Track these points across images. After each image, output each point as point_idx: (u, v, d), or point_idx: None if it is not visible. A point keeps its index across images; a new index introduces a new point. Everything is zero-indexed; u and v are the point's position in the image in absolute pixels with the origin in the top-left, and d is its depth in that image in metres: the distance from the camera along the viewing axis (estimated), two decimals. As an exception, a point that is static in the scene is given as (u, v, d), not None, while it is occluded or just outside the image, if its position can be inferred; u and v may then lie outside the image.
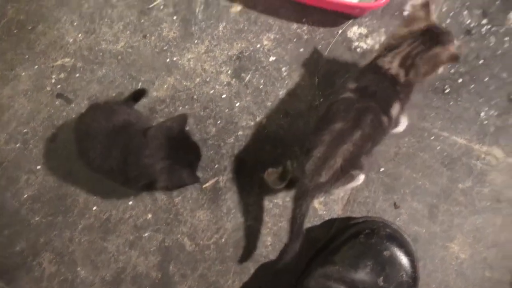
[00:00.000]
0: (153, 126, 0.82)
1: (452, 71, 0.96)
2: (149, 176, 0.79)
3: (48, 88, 1.07)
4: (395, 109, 0.77)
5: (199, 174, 0.97)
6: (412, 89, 0.80)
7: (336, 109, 0.75)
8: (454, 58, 0.74)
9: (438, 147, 0.93)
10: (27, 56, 1.11)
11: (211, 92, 1.03)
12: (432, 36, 0.75)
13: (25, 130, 1.05)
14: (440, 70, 0.76)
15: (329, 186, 0.75)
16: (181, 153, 0.82)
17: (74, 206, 1.00)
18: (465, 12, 1.00)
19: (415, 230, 0.90)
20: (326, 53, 1.01)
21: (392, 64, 0.76)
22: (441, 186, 0.91)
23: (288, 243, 0.75)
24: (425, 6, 0.78)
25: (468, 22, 0.99)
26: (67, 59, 1.09)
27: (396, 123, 0.82)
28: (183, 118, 0.85)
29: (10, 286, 0.98)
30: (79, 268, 0.96)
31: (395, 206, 0.91)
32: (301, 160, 0.76)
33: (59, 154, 1.03)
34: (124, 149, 0.81)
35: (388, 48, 0.78)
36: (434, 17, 0.78)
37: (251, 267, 0.92)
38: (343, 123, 0.72)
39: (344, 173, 0.74)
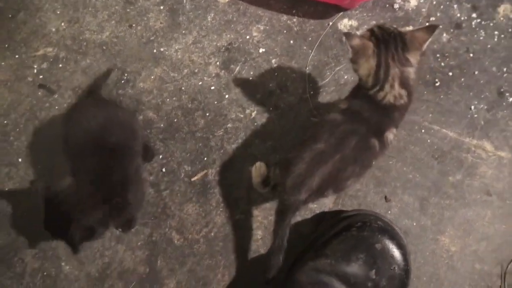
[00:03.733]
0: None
1: (443, 64, 0.96)
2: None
3: (30, 79, 1.03)
4: (390, 134, 0.74)
5: (187, 167, 0.95)
6: (408, 107, 0.76)
7: (321, 129, 0.74)
8: (432, 29, 0.70)
9: (429, 140, 0.93)
10: (7, 45, 1.06)
11: (200, 83, 1.00)
12: (390, 39, 0.71)
13: (5, 122, 1.01)
14: (424, 46, 0.72)
15: (308, 202, 0.75)
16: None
17: (58, 201, 0.96)
18: (455, 6, 1.00)
19: (406, 223, 0.89)
20: (316, 45, 1.00)
21: (393, 92, 0.71)
22: (432, 179, 0.91)
23: (271, 257, 0.75)
24: (362, 36, 0.74)
25: (458, 15, 0.99)
26: (49, 49, 1.05)
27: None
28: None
29: (-11, 283, 0.94)
30: (63, 263, 0.93)
31: (386, 199, 0.91)
32: (283, 171, 0.75)
33: (42, 147, 0.99)
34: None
35: (377, 82, 0.72)
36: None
37: (241, 261, 0.91)
38: (325, 144, 0.71)
39: (321, 193, 0.73)
